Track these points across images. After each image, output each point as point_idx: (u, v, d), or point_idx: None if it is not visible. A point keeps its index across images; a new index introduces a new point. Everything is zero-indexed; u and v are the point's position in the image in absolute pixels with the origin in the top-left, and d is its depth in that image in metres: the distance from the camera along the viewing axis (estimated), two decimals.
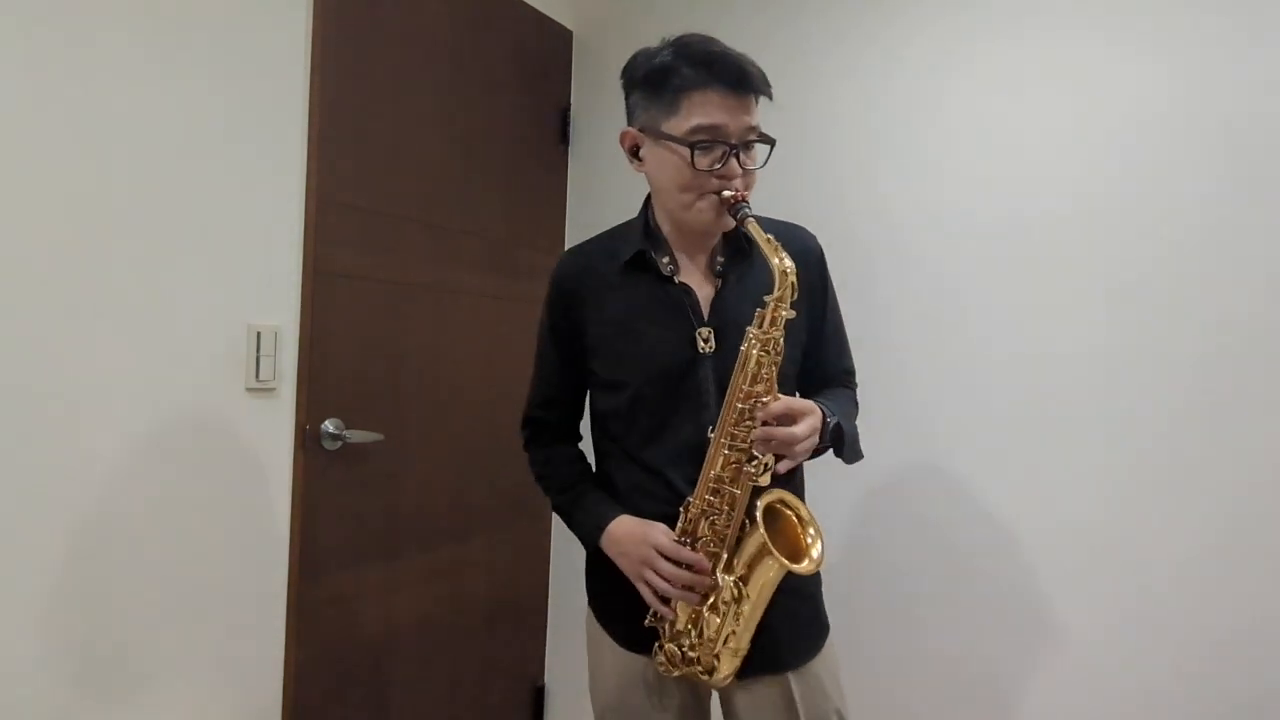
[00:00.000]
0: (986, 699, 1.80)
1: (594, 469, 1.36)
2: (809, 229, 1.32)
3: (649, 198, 1.27)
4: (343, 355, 1.78)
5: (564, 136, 2.38)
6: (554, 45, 2.34)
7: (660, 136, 1.15)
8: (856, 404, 1.35)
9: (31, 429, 1.30)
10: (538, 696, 2.38)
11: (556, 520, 2.39)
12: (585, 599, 1.35)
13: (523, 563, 2.32)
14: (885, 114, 1.94)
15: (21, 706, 1.30)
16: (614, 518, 1.23)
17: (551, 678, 2.40)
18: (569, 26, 2.37)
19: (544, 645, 2.40)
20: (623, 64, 1.22)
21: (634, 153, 1.23)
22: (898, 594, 1.89)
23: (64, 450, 1.34)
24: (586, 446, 1.37)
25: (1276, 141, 1.56)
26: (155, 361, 1.45)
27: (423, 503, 1.98)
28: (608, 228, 1.34)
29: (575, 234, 2.36)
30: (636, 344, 1.23)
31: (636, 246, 1.23)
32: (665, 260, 1.23)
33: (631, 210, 1.30)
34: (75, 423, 1.35)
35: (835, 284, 1.33)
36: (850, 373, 1.38)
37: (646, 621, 1.20)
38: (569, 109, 2.39)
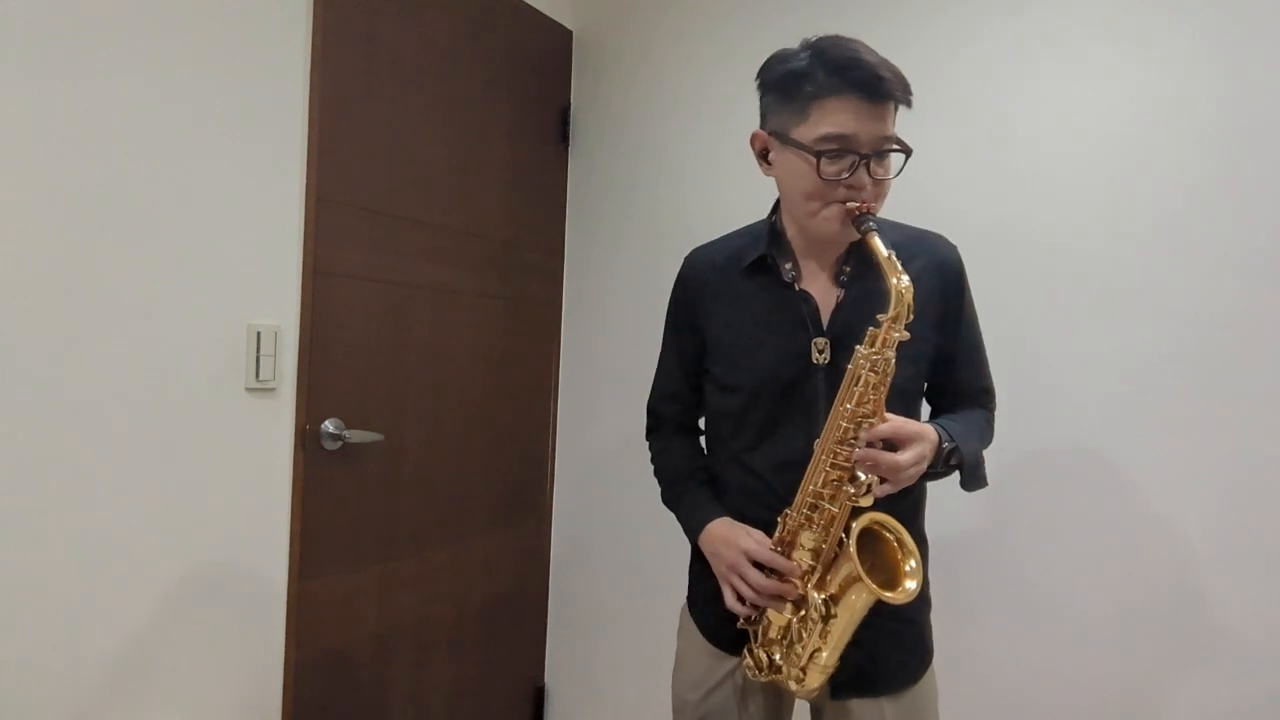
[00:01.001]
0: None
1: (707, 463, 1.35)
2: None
3: (778, 201, 1.25)
4: (343, 355, 1.78)
5: (564, 136, 2.38)
6: (554, 45, 2.35)
7: (789, 142, 1.13)
8: (991, 425, 1.30)
9: (32, 429, 1.31)
10: (538, 696, 2.39)
11: (556, 520, 2.43)
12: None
13: (523, 563, 2.32)
14: None
15: (21, 706, 1.30)
16: (714, 518, 1.23)
17: (551, 678, 2.41)
18: (569, 26, 2.37)
19: (544, 645, 2.40)
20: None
21: (763, 155, 1.20)
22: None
23: (65, 450, 1.34)
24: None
25: (1261, 140, 1.56)
26: (155, 361, 1.46)
27: (422, 503, 1.98)
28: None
29: (575, 234, 2.34)
30: (752, 349, 1.21)
31: (760, 250, 1.22)
32: (788, 265, 1.21)
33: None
34: (76, 422, 1.36)
35: None
36: (988, 392, 1.30)
37: (739, 624, 1.20)
38: (569, 109, 2.38)
